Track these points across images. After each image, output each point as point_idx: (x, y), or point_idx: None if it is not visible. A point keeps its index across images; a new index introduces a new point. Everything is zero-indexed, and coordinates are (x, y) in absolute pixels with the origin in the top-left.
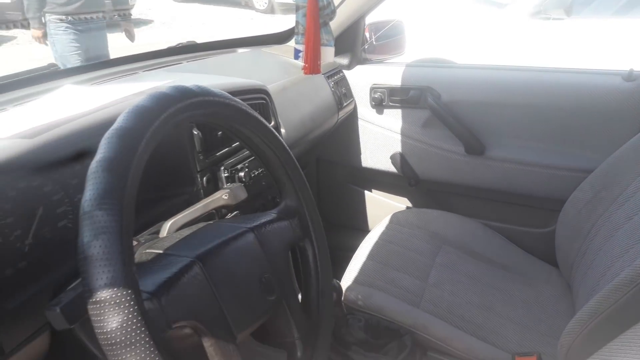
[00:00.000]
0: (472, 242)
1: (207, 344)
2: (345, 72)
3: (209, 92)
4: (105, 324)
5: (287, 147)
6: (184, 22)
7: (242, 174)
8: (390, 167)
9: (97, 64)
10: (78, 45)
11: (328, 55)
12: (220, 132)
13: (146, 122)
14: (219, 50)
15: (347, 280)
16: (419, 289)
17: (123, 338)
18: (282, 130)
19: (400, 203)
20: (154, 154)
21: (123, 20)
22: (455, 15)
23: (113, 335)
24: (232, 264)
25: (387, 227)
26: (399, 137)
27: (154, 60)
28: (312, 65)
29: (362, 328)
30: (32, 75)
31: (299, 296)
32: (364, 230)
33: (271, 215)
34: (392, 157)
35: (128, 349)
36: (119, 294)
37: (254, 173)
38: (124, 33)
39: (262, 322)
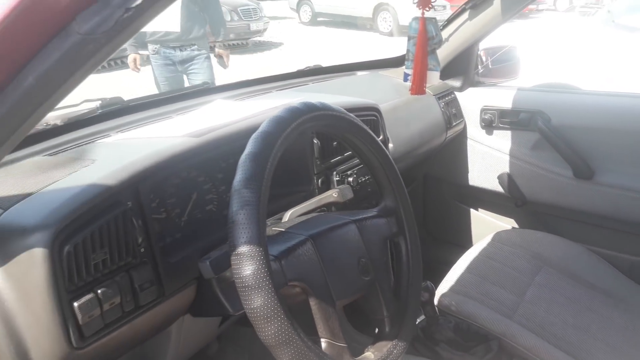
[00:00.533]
0: (575, 266)
1: (312, 303)
2: (457, 93)
3: (328, 108)
4: (242, 271)
5: (390, 157)
6: (311, 44)
7: (351, 179)
8: (497, 187)
9: (238, 83)
10: (173, 72)
11: (433, 78)
12: (335, 142)
13: (281, 128)
14: (340, 73)
15: (443, 287)
16: (514, 303)
17: (253, 282)
18: (390, 145)
19: (505, 223)
20: (282, 158)
21: (219, 48)
22: (584, 40)
23: (246, 280)
24: (337, 246)
25: (489, 244)
26: (507, 157)
27: (285, 82)
28: (418, 87)
29: (452, 329)
30: (189, 92)
31: (391, 283)
32: (466, 247)
33: (372, 212)
34: (500, 177)
35: (256, 291)
36: (254, 250)
37: (361, 179)
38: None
39: (357, 298)
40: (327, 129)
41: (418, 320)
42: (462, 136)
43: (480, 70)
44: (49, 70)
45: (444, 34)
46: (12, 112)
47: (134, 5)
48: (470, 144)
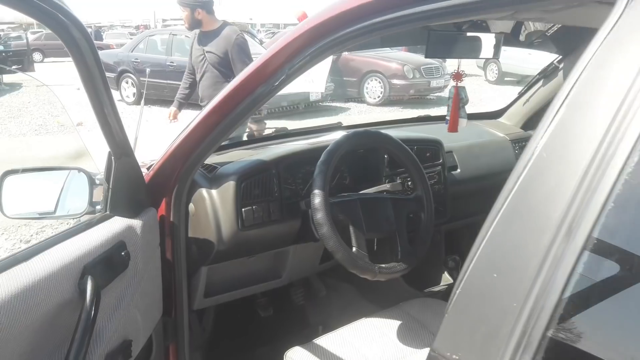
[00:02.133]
0: None
1: (351, 230)
2: None
3: (369, 132)
4: (314, 203)
5: (418, 163)
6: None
7: (400, 179)
8: None
9: (368, 123)
10: None
11: (462, 124)
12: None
13: (338, 145)
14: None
15: None
16: None
17: (317, 206)
18: (458, 170)
19: None
20: (365, 166)
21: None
22: None
23: (315, 205)
24: (374, 207)
25: None
26: None
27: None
28: (452, 128)
29: None
30: (322, 128)
31: (406, 237)
32: None
33: (405, 196)
34: None
35: (317, 211)
36: (319, 194)
37: (408, 180)
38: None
39: (380, 237)
40: (370, 144)
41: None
42: None
43: None
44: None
45: (531, 91)
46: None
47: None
48: None
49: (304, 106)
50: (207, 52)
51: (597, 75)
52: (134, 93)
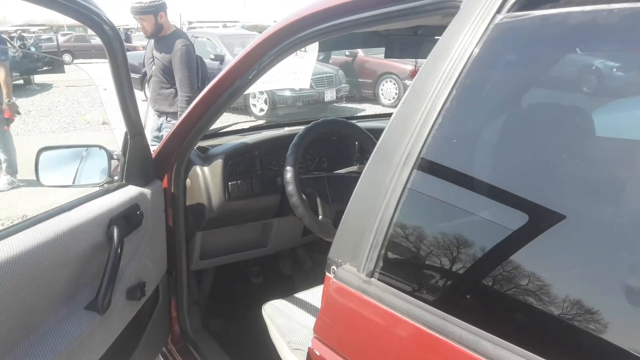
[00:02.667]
0: None
1: (318, 201)
2: None
3: (332, 120)
4: (287, 188)
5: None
6: None
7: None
8: None
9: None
10: None
11: None
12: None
13: (307, 131)
14: None
15: None
16: None
17: (289, 180)
18: None
19: None
20: (338, 151)
21: None
22: None
23: (287, 180)
24: (339, 182)
25: None
26: None
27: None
28: None
29: None
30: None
31: None
32: None
33: None
34: None
35: (289, 184)
36: (290, 170)
37: None
38: None
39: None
40: (337, 131)
41: None
42: None
43: None
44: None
45: None
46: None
47: None
48: None
49: (317, 106)
50: (156, 57)
51: (433, 59)
52: None
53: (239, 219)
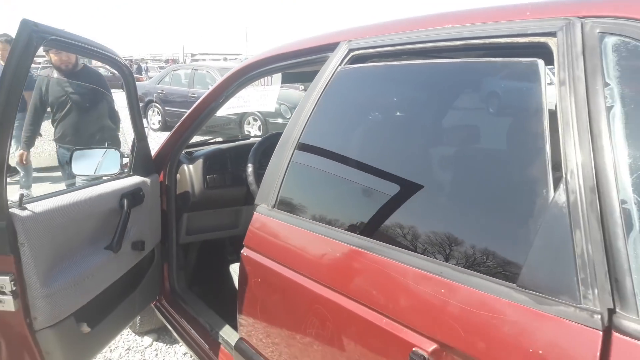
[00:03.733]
0: None
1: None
2: None
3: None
4: (247, 179)
5: None
6: None
7: None
8: None
9: None
10: None
11: None
12: None
13: (263, 140)
14: None
15: None
16: None
17: (251, 182)
18: None
19: None
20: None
21: None
22: None
23: (249, 182)
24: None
25: None
26: None
27: None
28: None
29: None
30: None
31: None
32: None
33: None
34: None
35: (252, 185)
36: (250, 172)
37: None
38: None
39: None
40: None
41: None
42: None
43: None
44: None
45: None
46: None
47: None
48: None
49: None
50: (70, 92)
51: (310, 88)
52: (159, 120)
53: (215, 204)
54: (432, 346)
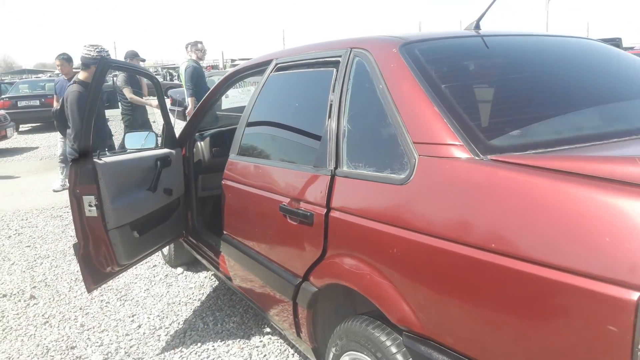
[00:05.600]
0: None
1: None
2: None
3: None
4: None
5: None
6: None
7: None
8: None
9: None
10: None
11: None
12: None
13: None
14: None
15: None
16: None
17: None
18: None
19: None
20: None
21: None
22: None
23: None
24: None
25: None
26: None
27: None
28: None
29: None
30: None
31: None
32: None
33: None
34: None
35: None
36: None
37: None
38: None
39: None
40: None
41: None
42: None
43: None
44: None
45: None
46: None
47: None
48: None
49: None
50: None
51: (257, 87)
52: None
53: (219, 168)
54: (287, 199)
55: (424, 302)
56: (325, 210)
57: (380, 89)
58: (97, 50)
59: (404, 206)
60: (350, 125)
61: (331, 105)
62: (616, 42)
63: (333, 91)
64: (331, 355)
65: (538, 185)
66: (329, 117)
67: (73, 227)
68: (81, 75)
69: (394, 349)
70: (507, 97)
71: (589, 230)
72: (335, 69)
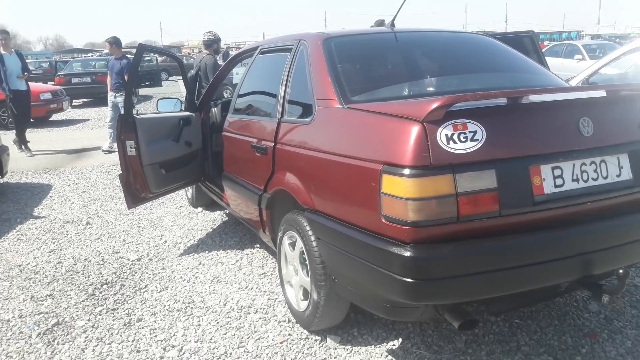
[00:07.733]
0: None
1: None
2: None
3: None
4: None
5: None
6: None
7: None
8: None
9: None
10: None
11: None
12: None
13: None
14: None
15: None
16: None
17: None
18: None
19: None
20: None
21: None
22: None
23: None
24: None
25: None
26: None
27: None
28: None
29: None
30: None
31: None
32: None
33: None
34: None
35: None
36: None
37: None
38: None
39: None
40: None
41: None
42: None
43: None
44: None
45: None
46: None
47: None
48: None
49: None
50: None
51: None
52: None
53: None
54: (255, 140)
55: (315, 190)
56: (273, 144)
57: (307, 67)
58: (213, 34)
59: (308, 137)
60: (291, 90)
61: (283, 77)
62: (529, 35)
63: (286, 68)
64: (278, 237)
65: (364, 119)
66: (281, 85)
67: (119, 181)
68: (206, 50)
69: (303, 221)
70: (374, 71)
71: (372, 137)
72: (289, 53)
